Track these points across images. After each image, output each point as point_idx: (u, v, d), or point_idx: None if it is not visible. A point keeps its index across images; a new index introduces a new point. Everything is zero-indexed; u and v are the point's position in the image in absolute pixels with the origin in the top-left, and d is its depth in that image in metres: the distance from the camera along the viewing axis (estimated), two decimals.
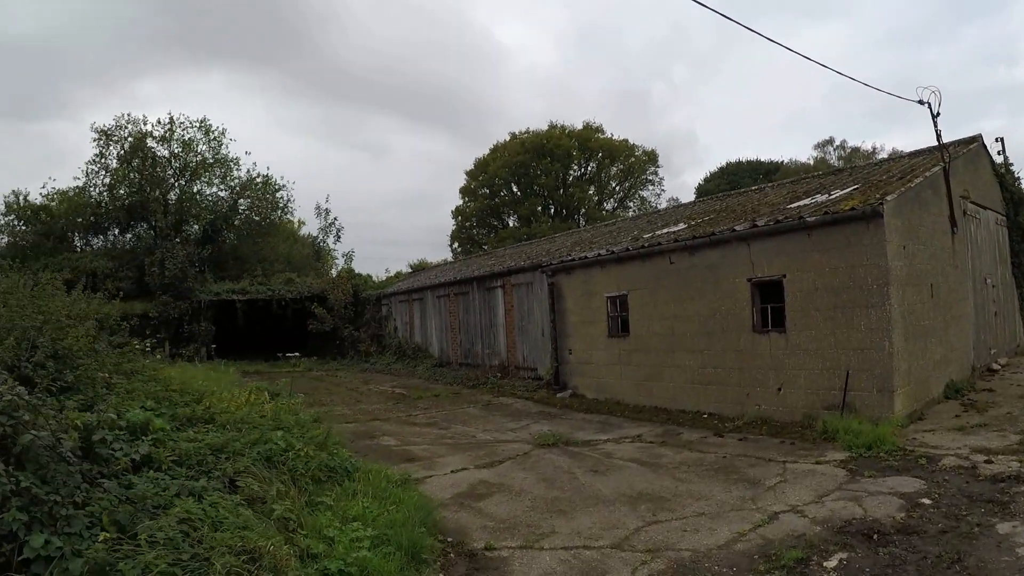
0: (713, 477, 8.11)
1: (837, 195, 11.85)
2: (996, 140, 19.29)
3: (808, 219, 10.50)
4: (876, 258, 9.73)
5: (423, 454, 10.26)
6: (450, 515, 7.06)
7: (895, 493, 6.86)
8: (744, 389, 11.59)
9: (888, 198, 9.93)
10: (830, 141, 54.77)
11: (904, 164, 13.82)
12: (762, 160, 48.80)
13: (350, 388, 20.35)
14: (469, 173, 55.06)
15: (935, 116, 12.63)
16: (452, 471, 9.02)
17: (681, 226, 15.03)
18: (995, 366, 14.03)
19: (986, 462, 7.61)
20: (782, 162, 49.29)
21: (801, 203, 12.19)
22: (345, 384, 21.63)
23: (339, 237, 45.80)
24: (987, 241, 14.75)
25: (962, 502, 6.36)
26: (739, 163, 49.21)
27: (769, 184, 18.76)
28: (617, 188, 55.22)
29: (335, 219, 45.71)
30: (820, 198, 12.15)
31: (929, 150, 14.09)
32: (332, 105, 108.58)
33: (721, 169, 50.06)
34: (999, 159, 18.55)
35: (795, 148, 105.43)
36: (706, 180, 50.47)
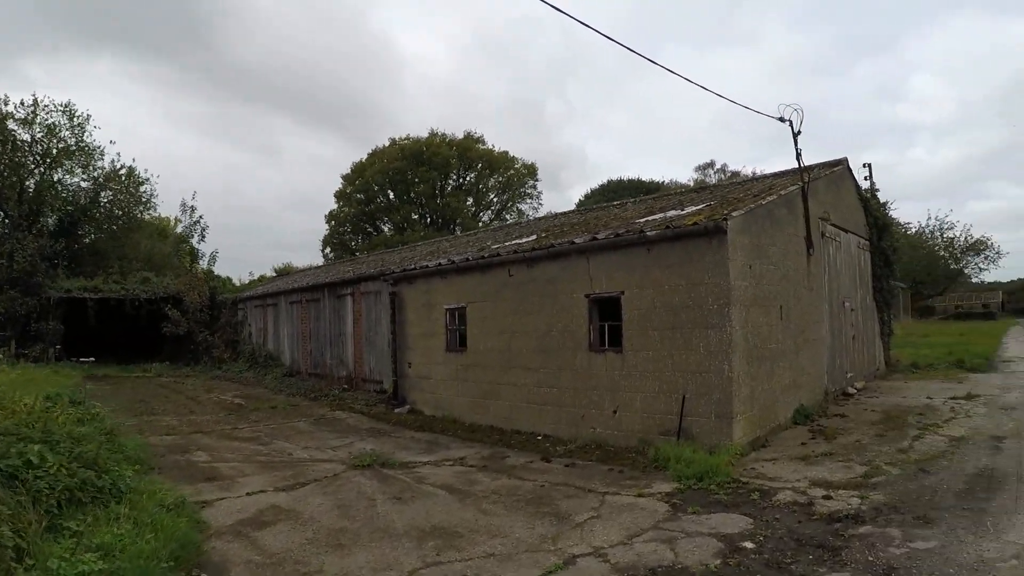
0: (522, 509, 7.53)
1: (688, 211, 11.65)
2: (864, 166, 20.12)
3: (649, 233, 10.17)
4: (718, 276, 9.46)
5: (228, 472, 9.68)
6: (220, 545, 6.44)
7: (716, 534, 6.38)
8: (579, 411, 11.19)
9: (734, 214, 9.72)
10: (711, 164, 57.36)
11: (766, 183, 13.91)
12: (643, 180, 50.25)
13: (190, 397, 19.45)
14: (346, 177, 54.74)
15: (796, 134, 12.71)
16: (248, 493, 8.49)
17: (532, 238, 14.61)
18: (851, 390, 14.26)
19: (824, 497, 7.31)
20: (663, 182, 50.92)
21: (651, 218, 11.93)
22: (187, 392, 20.63)
23: (203, 236, 43.86)
24: (847, 264, 15.05)
25: (789, 547, 5.91)
26: (620, 181, 50.59)
27: (631, 200, 18.75)
28: (495, 200, 56.06)
29: (200, 217, 43.78)
30: (672, 213, 11.92)
31: (794, 171, 14.24)
32: (226, 102, 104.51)
33: (602, 186, 51.36)
34: (866, 184, 19.23)
35: (681, 170, 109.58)
36: (586, 197, 51.63)
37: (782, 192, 11.63)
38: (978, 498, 6.99)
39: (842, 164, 16.25)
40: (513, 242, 14.65)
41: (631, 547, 6.17)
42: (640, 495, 7.84)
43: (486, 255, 13.33)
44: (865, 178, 19.86)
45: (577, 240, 11.19)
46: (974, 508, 6.67)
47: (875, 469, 8.29)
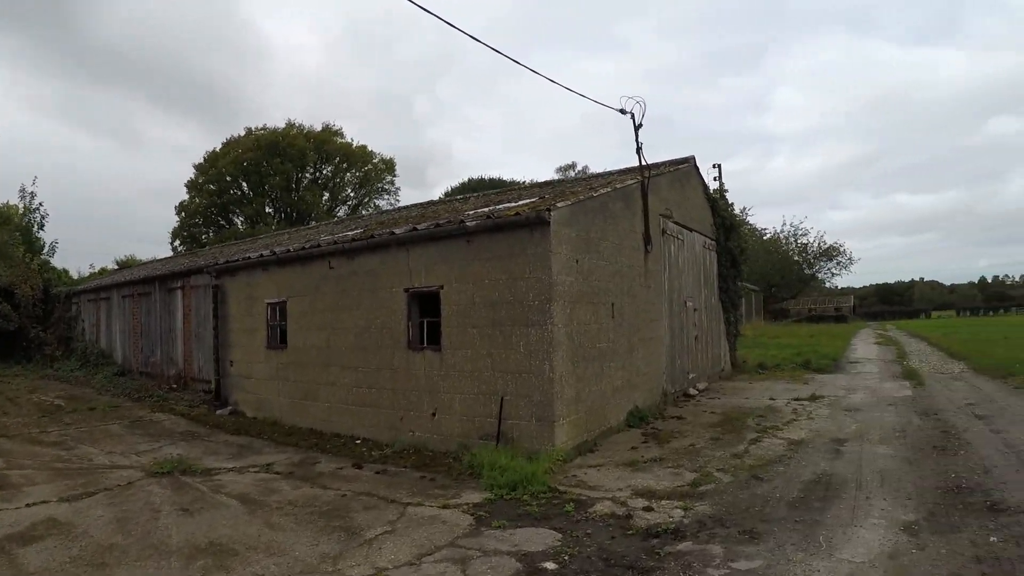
0: (313, 523, 6.80)
1: (521, 203, 11.14)
2: (713, 166, 20.62)
3: (469, 224, 9.59)
4: (540, 270, 8.97)
5: (18, 481, 9.02)
6: None
7: (516, 553, 5.74)
8: (398, 412, 10.53)
9: (559, 204, 9.27)
10: (572, 165, 58.55)
11: (608, 179, 13.68)
12: (504, 179, 50.74)
13: (9, 398, 17.80)
14: (198, 167, 51.58)
15: (637, 127, 12.53)
16: (29, 504, 7.87)
17: (360, 230, 13.78)
18: (693, 391, 14.31)
19: (645, 509, 6.84)
20: (524, 182, 51.50)
21: (480, 211, 11.35)
22: (7, 393, 18.77)
23: (43, 225, 39.68)
24: (691, 263, 15.15)
25: (596, 567, 5.34)
26: (481, 180, 50.92)
27: (475, 195, 18.33)
28: (352, 195, 55.19)
29: (40, 204, 39.63)
30: (503, 206, 11.38)
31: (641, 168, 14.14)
32: (86, 86, 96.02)
33: (462, 184, 51.53)
34: (716, 185, 19.68)
35: (546, 171, 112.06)
36: (446, 194, 51.38)
37: (619, 186, 11.37)
38: (813, 508, 6.68)
39: (688, 162, 16.41)
40: (340, 234, 13.70)
41: (418, 568, 5.51)
42: (445, 506, 7.20)
43: (307, 246, 12.44)
44: (714, 179, 20.42)
45: (397, 231, 10.45)
46: (807, 520, 6.32)
47: (705, 476, 7.91)
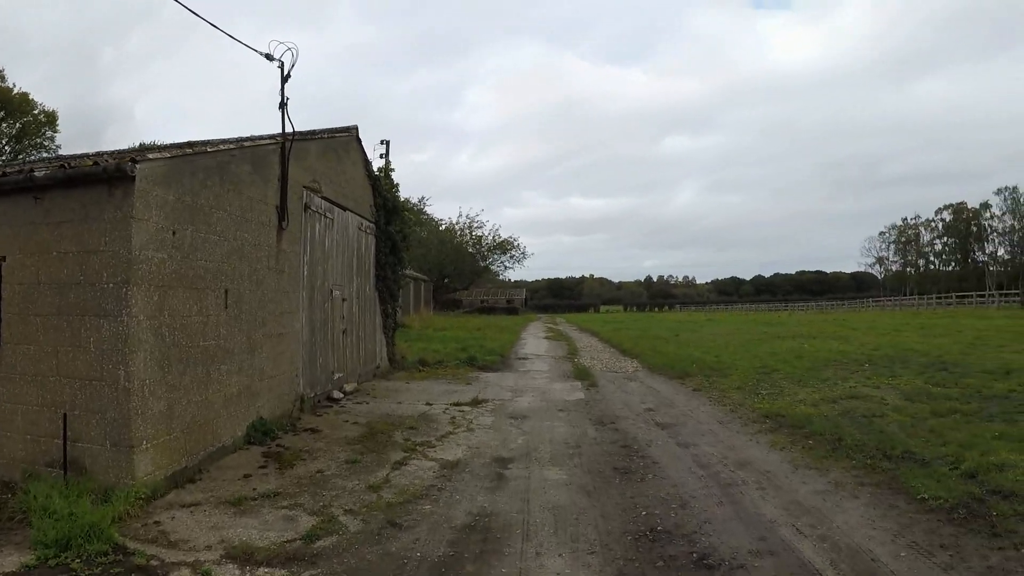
0: None
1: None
2: (381, 142, 19.79)
3: (38, 175, 7.30)
4: (118, 242, 7.11)
5: None
6: None
7: None
8: None
9: (152, 156, 7.41)
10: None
11: (252, 143, 11.90)
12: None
13: None
14: None
15: (284, 78, 11.11)
16: None
17: None
18: (339, 395, 13.21)
19: None
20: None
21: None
22: None
23: None
24: (343, 247, 14.02)
25: None
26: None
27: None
28: (7, 148, 46.67)
29: None
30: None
31: (297, 134, 12.55)
32: None
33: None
34: (381, 163, 18.82)
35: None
36: None
37: (245, 144, 9.72)
38: (464, 575, 5.35)
39: (350, 133, 15.27)
40: None
41: None
42: None
43: None
44: (380, 156, 19.59)
45: None
46: None
47: (328, 522, 6.42)
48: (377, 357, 16.96)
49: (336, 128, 14.85)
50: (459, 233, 69.71)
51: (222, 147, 9.09)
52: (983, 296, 65.67)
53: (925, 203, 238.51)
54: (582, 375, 17.88)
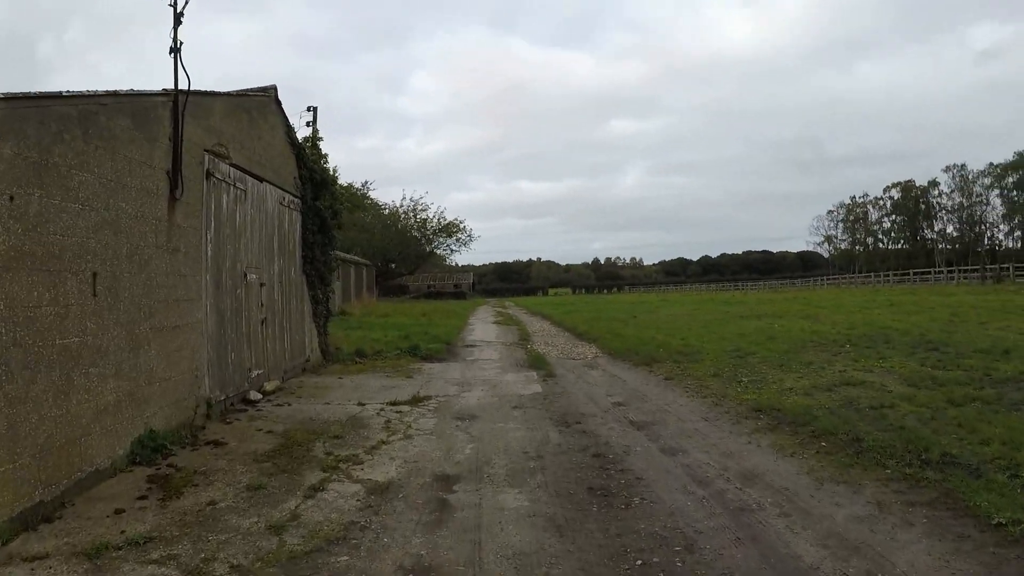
0: None
1: None
2: (308, 109, 17.99)
3: None
4: None
5: None
6: None
7: None
8: None
9: None
10: None
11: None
12: None
13: None
14: None
15: (178, 16, 9.34)
16: None
17: None
18: (256, 395, 11.54)
19: None
20: None
21: None
22: None
23: None
24: (259, 223, 12.31)
25: None
26: None
27: None
28: None
29: None
30: None
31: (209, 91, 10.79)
32: None
33: None
34: (308, 131, 17.08)
35: None
36: None
37: (122, 94, 7.98)
38: None
39: (267, 94, 13.52)
40: None
41: None
42: None
43: None
44: (308, 124, 17.78)
45: None
46: None
47: None
48: (307, 349, 15.27)
49: (258, 88, 13.12)
50: (403, 217, 67.87)
51: (87, 94, 7.34)
52: (940, 272, 66.63)
53: (868, 183, 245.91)
54: (537, 363, 16.40)
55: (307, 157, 15.18)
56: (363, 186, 69.40)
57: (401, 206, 68.32)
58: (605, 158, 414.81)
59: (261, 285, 12.25)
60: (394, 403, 11.36)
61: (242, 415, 10.57)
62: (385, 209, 68.57)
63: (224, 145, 10.85)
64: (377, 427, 9.66)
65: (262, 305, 12.27)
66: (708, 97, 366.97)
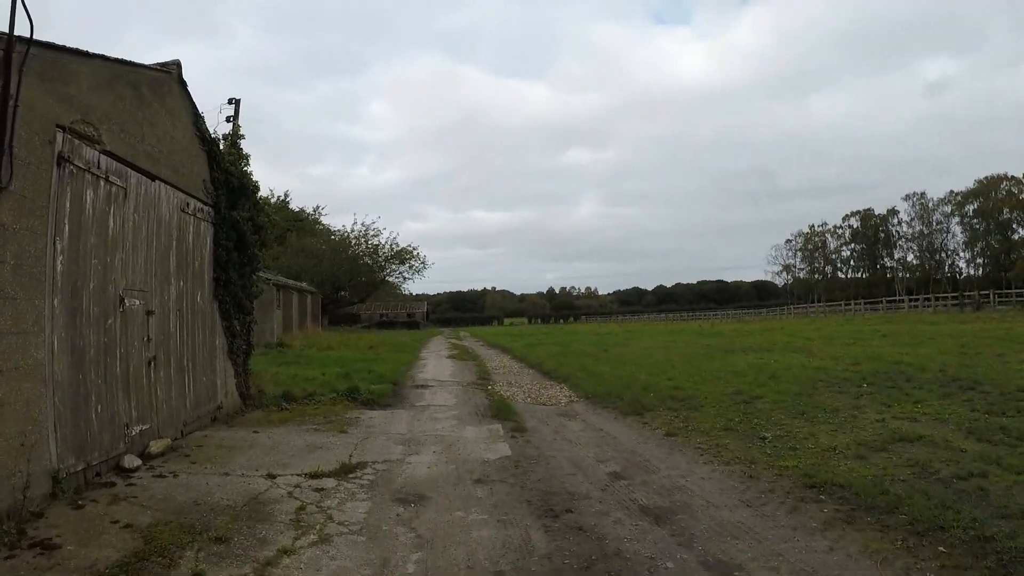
0: None
1: None
2: (229, 102, 15.34)
3: None
4: None
5: None
6: None
7: None
8: None
9: None
10: None
11: None
12: None
13: None
14: None
15: None
16: None
17: None
18: (133, 461, 8.71)
19: None
20: None
21: None
22: None
23: None
24: (147, 232, 9.60)
25: None
26: None
27: None
28: None
29: None
30: None
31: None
32: None
33: None
34: (227, 127, 14.45)
35: None
36: None
37: None
38: None
39: (169, 72, 10.93)
40: None
41: None
42: None
43: None
44: (227, 118, 15.08)
45: None
46: None
47: None
48: (219, 393, 12.42)
49: (156, 65, 10.55)
50: (354, 242, 64.90)
51: None
52: (915, 300, 65.76)
53: (819, 214, 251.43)
54: (502, 412, 13.45)
55: (222, 156, 12.48)
56: (315, 211, 66.44)
57: (352, 231, 65.45)
58: (559, 188, 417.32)
59: (148, 313, 9.48)
60: (316, 474, 8.43)
61: (104, 493, 7.68)
62: (335, 235, 65.76)
63: (93, 125, 8.17)
64: (284, 520, 6.72)
65: (149, 340, 9.49)
66: (661, 128, 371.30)
